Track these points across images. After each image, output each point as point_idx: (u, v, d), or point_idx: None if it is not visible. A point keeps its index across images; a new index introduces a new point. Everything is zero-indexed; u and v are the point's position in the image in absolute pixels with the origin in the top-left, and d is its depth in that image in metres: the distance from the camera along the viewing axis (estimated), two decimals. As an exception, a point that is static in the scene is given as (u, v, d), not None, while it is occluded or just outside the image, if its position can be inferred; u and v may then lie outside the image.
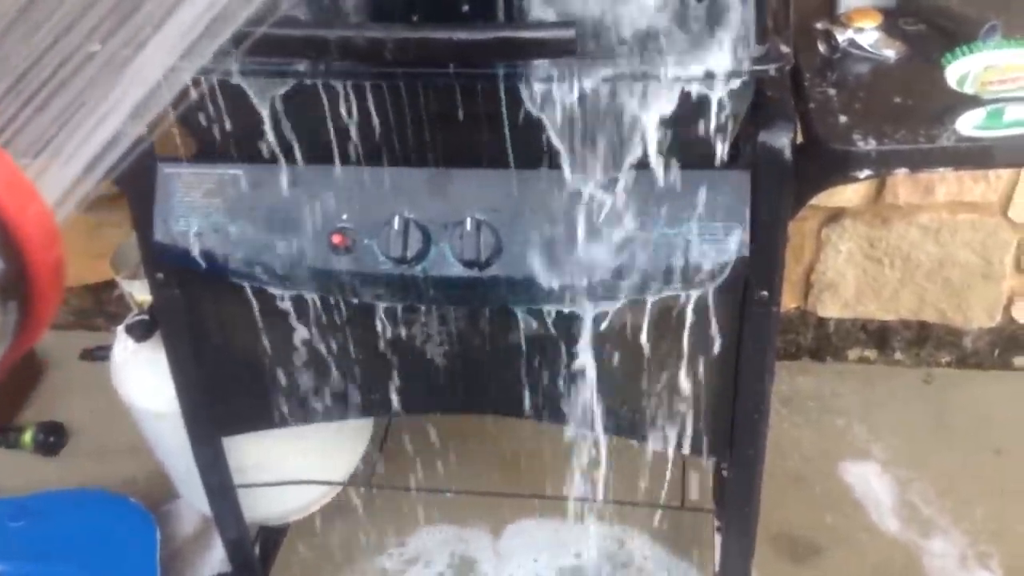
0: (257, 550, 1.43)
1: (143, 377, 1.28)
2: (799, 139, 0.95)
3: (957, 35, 0.98)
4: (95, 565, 1.43)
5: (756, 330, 1.04)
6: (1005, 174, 1.58)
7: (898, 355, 1.87)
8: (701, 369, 1.09)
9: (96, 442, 1.78)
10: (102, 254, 1.81)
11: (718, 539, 1.40)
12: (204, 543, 1.58)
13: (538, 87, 0.88)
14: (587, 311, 1.05)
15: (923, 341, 1.84)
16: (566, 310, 1.06)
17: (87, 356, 1.90)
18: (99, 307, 2.01)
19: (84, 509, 1.54)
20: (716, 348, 1.07)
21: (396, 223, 0.98)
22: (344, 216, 1.00)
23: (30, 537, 1.49)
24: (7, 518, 1.50)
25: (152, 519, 1.50)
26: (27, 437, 1.73)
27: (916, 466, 1.68)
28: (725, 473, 1.23)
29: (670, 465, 1.61)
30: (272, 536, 1.52)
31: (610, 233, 0.96)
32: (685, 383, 1.10)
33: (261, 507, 1.38)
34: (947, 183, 1.60)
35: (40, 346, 1.96)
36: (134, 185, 1.04)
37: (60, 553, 1.45)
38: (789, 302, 1.81)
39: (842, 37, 1.01)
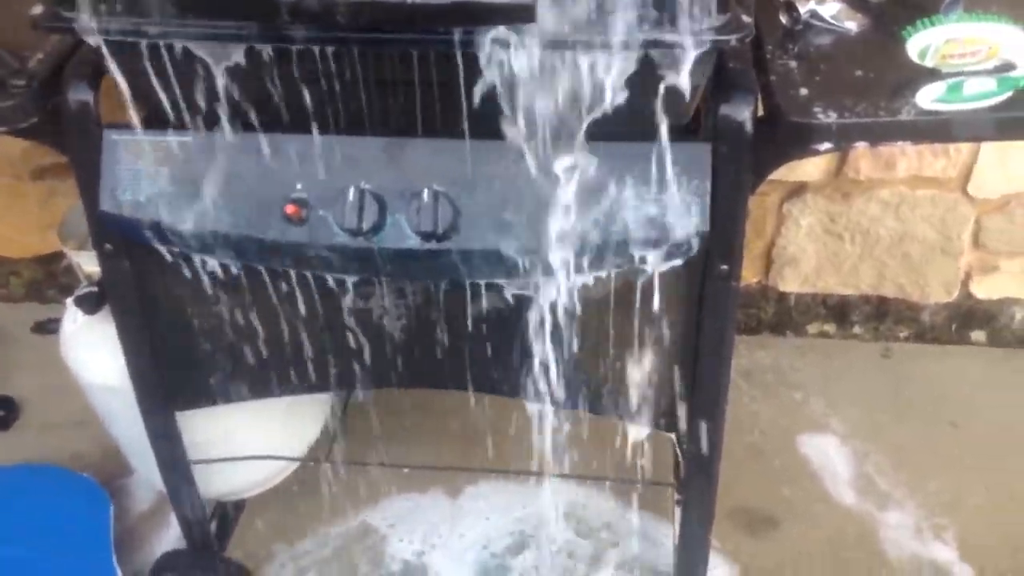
0: (213, 526, 1.41)
1: (93, 350, 1.25)
2: (760, 112, 0.94)
3: (919, 8, 0.97)
4: (47, 542, 1.41)
5: (716, 304, 1.04)
6: (965, 148, 1.59)
7: (857, 329, 1.88)
8: (660, 343, 1.09)
9: (48, 416, 1.74)
10: (54, 224, 1.77)
11: (677, 512, 1.40)
12: (159, 519, 1.56)
13: (495, 54, 0.86)
14: (544, 285, 1.04)
15: (882, 316, 1.86)
16: (523, 284, 1.05)
17: (39, 329, 1.85)
18: (51, 279, 1.96)
19: (35, 485, 1.51)
20: (675, 321, 1.06)
21: (351, 194, 0.96)
22: (298, 186, 0.98)
23: (-22, 514, 1.46)
24: (-46, 494, 1.47)
25: (105, 495, 1.47)
26: (-25, 412, 1.69)
27: (873, 439, 1.69)
28: (683, 448, 1.23)
29: (627, 438, 1.63)
30: (228, 512, 1.50)
31: (568, 206, 0.95)
32: (644, 358, 1.10)
33: (217, 482, 1.36)
34: (908, 158, 1.60)
35: (-10, 319, 1.92)
36: (79, 152, 1.01)
37: (10, 530, 1.43)
38: (750, 276, 1.81)
39: (804, 8, 1.00)
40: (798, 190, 1.68)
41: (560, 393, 1.14)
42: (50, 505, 1.47)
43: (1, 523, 1.44)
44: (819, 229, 1.71)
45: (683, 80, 0.90)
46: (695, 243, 0.96)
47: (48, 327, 1.83)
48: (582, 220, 0.95)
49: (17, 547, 1.41)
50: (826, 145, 0.90)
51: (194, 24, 0.87)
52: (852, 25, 0.99)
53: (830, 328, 1.89)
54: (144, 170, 1.00)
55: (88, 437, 1.66)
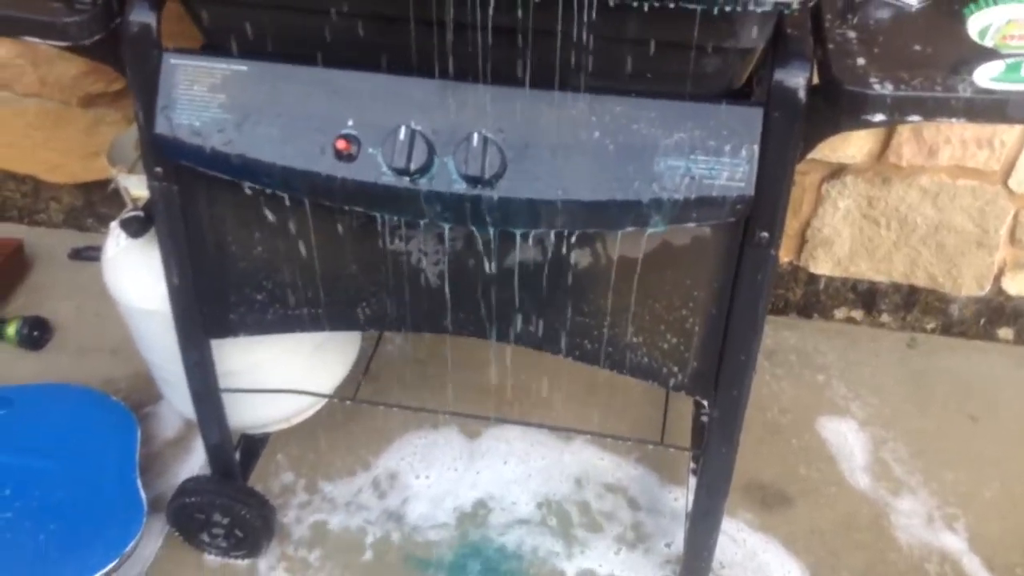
0: (237, 456, 1.43)
1: (134, 274, 1.28)
2: (815, 80, 0.94)
3: (983, -14, 0.97)
4: (74, 460, 1.44)
5: (753, 271, 1.04)
6: (1010, 142, 1.58)
7: (884, 317, 1.88)
8: (693, 307, 1.09)
9: (80, 341, 1.77)
10: (99, 152, 1.79)
11: (692, 480, 1.42)
12: (184, 447, 1.59)
13: (553, 2, 0.86)
14: (584, 239, 1.05)
15: (910, 306, 1.85)
16: (566, 236, 1.06)
17: (76, 256, 1.90)
18: (90, 207, 1.99)
19: (66, 404, 1.55)
20: (711, 287, 1.07)
21: (402, 133, 0.97)
22: (350, 122, 0.99)
23: (9, 427, 1.49)
24: (-12, 407, 1.51)
25: (133, 418, 1.50)
26: (11, 330, 1.72)
27: (892, 426, 1.70)
28: (705, 417, 1.24)
29: (649, 399, 1.65)
30: (252, 445, 1.53)
31: (616, 161, 0.96)
32: (676, 320, 1.11)
33: (244, 414, 1.39)
34: (951, 146, 1.59)
35: (30, 243, 1.95)
36: (138, 74, 1.02)
37: (40, 446, 1.46)
38: (783, 256, 1.81)
39: (866, -19, 0.99)
40: (839, 171, 1.67)
41: (589, 349, 1.15)
42: (80, 424, 1.50)
43: (31, 438, 1.48)
44: (856, 212, 1.70)
45: (741, 42, 0.91)
46: (740, 207, 0.96)
47: (85, 254, 1.87)
48: (626, 176, 0.96)
49: (45, 460, 1.44)
50: (879, 117, 0.89)
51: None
52: (913, 1, 0.99)
53: (857, 314, 1.89)
54: (200, 95, 1.01)
55: (120, 364, 1.69)
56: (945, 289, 1.79)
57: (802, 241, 1.78)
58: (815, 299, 1.88)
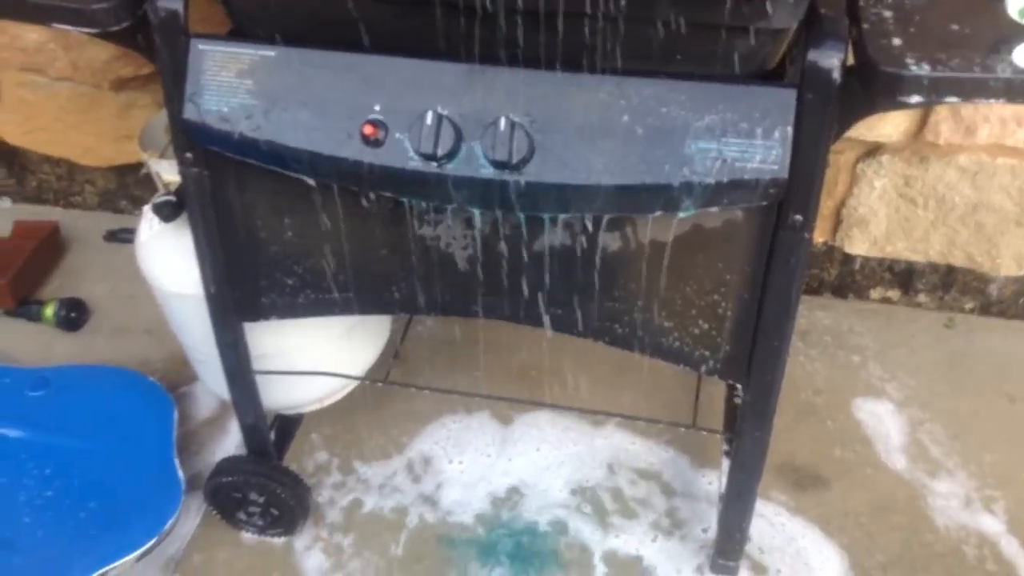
0: (272, 436, 1.45)
1: (168, 258, 1.29)
2: (849, 60, 0.92)
3: (1025, -38, 0.94)
4: (112, 440, 1.46)
5: (786, 255, 1.03)
6: (1053, 119, 1.54)
7: (921, 297, 1.85)
8: (726, 291, 1.08)
9: (116, 322, 1.80)
10: (131, 135, 1.81)
11: (725, 462, 1.41)
12: (220, 426, 1.61)
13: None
14: (614, 223, 1.04)
15: (948, 286, 1.82)
16: (596, 221, 1.05)
17: (111, 237, 1.91)
18: (124, 189, 2.01)
19: (104, 384, 1.57)
20: (743, 270, 1.06)
21: (429, 118, 0.97)
22: (377, 107, 0.99)
23: (49, 408, 1.52)
24: (27, 387, 1.53)
25: (170, 398, 1.52)
26: (49, 312, 1.75)
27: (929, 407, 1.68)
28: (738, 399, 1.23)
29: (680, 382, 1.64)
30: (287, 424, 1.54)
31: (646, 144, 0.94)
32: (709, 303, 1.10)
33: (277, 395, 1.40)
34: (990, 124, 1.56)
35: (65, 225, 1.97)
36: (166, 61, 1.03)
37: (77, 425, 1.49)
38: (817, 236, 1.79)
39: (904, -43, 0.97)
40: (874, 150, 1.64)
41: (620, 333, 1.15)
42: (117, 403, 1.53)
43: (69, 418, 1.50)
44: (893, 192, 1.67)
45: (774, 22, 0.89)
46: (773, 190, 0.95)
47: (120, 236, 1.89)
48: (656, 159, 0.95)
49: (84, 440, 1.47)
50: (916, 98, 0.87)
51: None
52: (952, -23, 0.96)
53: (894, 294, 1.86)
54: (228, 81, 1.01)
55: (155, 345, 1.72)
56: (983, 269, 1.75)
57: (837, 221, 1.75)
58: (850, 279, 1.86)
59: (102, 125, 1.86)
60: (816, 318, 1.85)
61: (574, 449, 1.59)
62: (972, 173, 1.62)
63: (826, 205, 1.73)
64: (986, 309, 1.84)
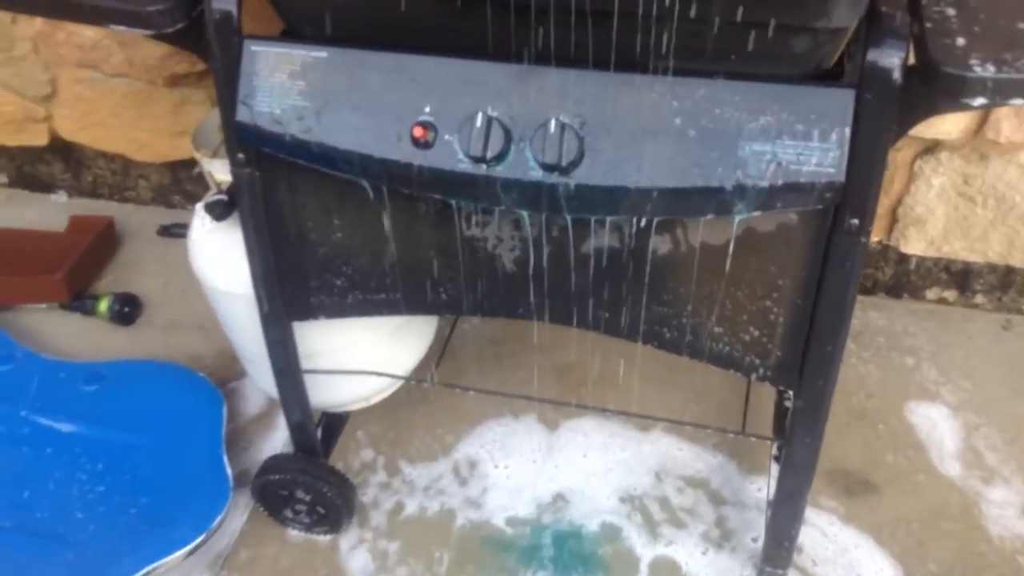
0: (319, 434, 1.46)
1: (219, 256, 1.30)
2: (911, 60, 0.89)
3: (1097, -42, 0.90)
4: (163, 435, 1.48)
5: (841, 260, 1.00)
6: (1120, 117, 1.49)
7: (979, 298, 1.80)
8: (778, 295, 1.06)
9: (168, 317, 1.82)
10: (185, 131, 1.83)
11: (774, 468, 1.39)
12: (268, 423, 1.63)
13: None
14: (667, 226, 1.03)
15: (1006, 286, 1.78)
16: (646, 224, 1.03)
17: (164, 232, 1.94)
18: (177, 185, 2.03)
19: (155, 379, 1.59)
20: (797, 274, 1.04)
21: (479, 120, 0.96)
22: (427, 109, 0.98)
23: (102, 402, 1.54)
24: (81, 381, 1.56)
25: (220, 395, 1.54)
26: (103, 306, 1.78)
27: (985, 412, 1.64)
28: (788, 403, 1.21)
29: (729, 387, 1.61)
30: (333, 422, 1.55)
31: (699, 146, 0.93)
32: (760, 308, 1.08)
33: (325, 394, 1.41)
34: (1056, 122, 1.51)
35: (119, 219, 2.00)
36: (220, 61, 1.03)
37: (130, 419, 1.51)
38: (872, 235, 1.75)
39: (968, -47, 0.94)
40: (933, 148, 1.60)
41: (669, 337, 1.13)
42: (169, 399, 1.55)
43: (122, 412, 1.53)
44: (951, 191, 1.63)
45: (833, 21, 0.87)
46: (829, 194, 0.93)
47: (173, 231, 1.91)
48: (711, 162, 0.93)
49: (136, 435, 1.49)
50: (980, 100, 0.85)
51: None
52: (1020, -26, 0.93)
53: (950, 295, 1.82)
54: (280, 82, 1.02)
55: (206, 340, 1.74)
56: (1045, 270, 1.71)
57: (893, 220, 1.72)
58: (905, 279, 1.82)
59: (156, 121, 1.88)
60: (869, 318, 1.82)
61: (621, 455, 1.57)
62: (1034, 172, 1.58)
63: (882, 204, 1.69)
64: (1047, 311, 1.79)
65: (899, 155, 1.63)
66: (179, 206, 2.06)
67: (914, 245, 1.73)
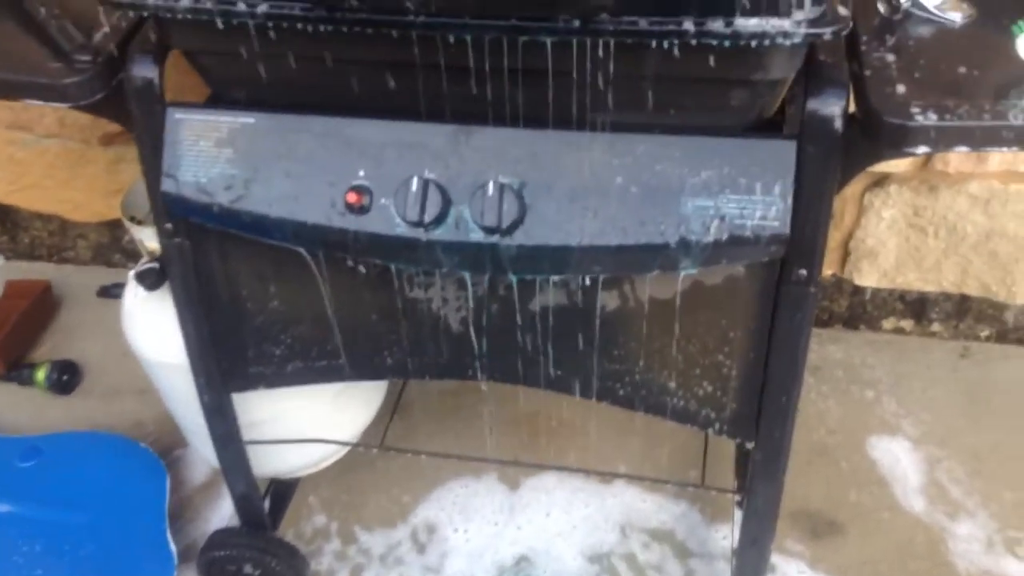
0: (267, 504, 1.40)
1: (153, 326, 1.25)
2: (852, 108, 0.87)
3: (1032, 0, 0.90)
4: (104, 512, 1.42)
5: (791, 311, 0.98)
6: (1065, 145, 1.49)
7: (935, 327, 1.80)
8: (730, 348, 1.04)
9: (109, 382, 1.76)
10: (121, 190, 1.77)
11: (738, 514, 1.36)
12: (214, 492, 1.57)
13: (568, 43, 0.81)
14: (613, 282, 1.00)
15: (962, 314, 1.77)
16: (592, 281, 1.00)
17: (104, 293, 1.88)
18: (117, 243, 1.97)
19: (95, 453, 1.53)
20: (747, 327, 1.01)
21: (415, 183, 0.93)
22: (361, 173, 0.95)
23: (39, 478, 1.48)
24: (17, 458, 1.50)
25: (163, 466, 1.48)
26: (40, 375, 1.71)
27: (947, 444, 1.62)
28: (748, 446, 1.18)
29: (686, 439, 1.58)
30: (282, 489, 1.50)
31: (640, 202, 0.90)
32: (713, 362, 1.05)
33: (270, 461, 1.36)
34: (1001, 151, 1.51)
35: (58, 282, 1.94)
36: (142, 130, 0.99)
37: (69, 497, 1.45)
38: (825, 268, 1.73)
39: (904, -3, 0.93)
40: (881, 180, 1.60)
41: (622, 394, 1.10)
42: (109, 474, 1.49)
43: (61, 488, 1.46)
44: (902, 222, 1.63)
45: (770, 73, 0.85)
46: (775, 247, 0.90)
47: (113, 292, 1.85)
48: (654, 219, 0.91)
49: (75, 512, 1.42)
50: (923, 149, 0.83)
51: (260, 4, 0.84)
52: (957, 17, 0.92)
53: (907, 324, 1.81)
54: (206, 150, 0.98)
55: (148, 406, 1.67)
56: (999, 298, 1.70)
57: (845, 253, 1.71)
58: (861, 310, 1.81)
59: (92, 180, 1.83)
60: (827, 352, 1.80)
61: (585, 511, 1.53)
62: (984, 200, 1.57)
63: (833, 237, 1.68)
64: (1003, 336, 1.79)
65: (848, 189, 1.61)
66: (120, 265, 2.00)
67: (867, 277, 1.72)
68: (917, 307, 1.79)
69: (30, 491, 1.45)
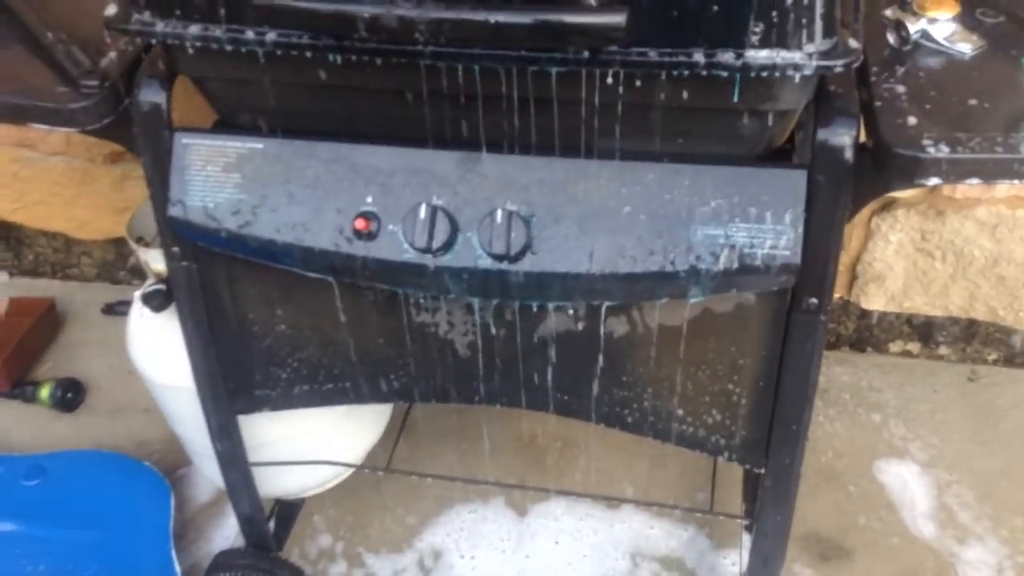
0: (272, 524, 1.40)
1: (158, 348, 1.24)
2: (862, 138, 0.87)
3: (1043, 32, 0.90)
4: (108, 531, 1.42)
5: (801, 339, 0.98)
6: (1074, 170, 1.48)
7: (943, 350, 1.79)
8: (740, 375, 1.03)
9: (113, 400, 1.75)
10: (126, 207, 1.78)
11: (746, 538, 1.35)
12: (219, 510, 1.56)
13: (575, 73, 0.81)
14: (622, 309, 1.00)
15: (970, 337, 1.76)
16: (599, 308, 1.00)
17: (109, 311, 1.89)
18: (122, 260, 1.97)
19: (99, 471, 1.52)
20: (758, 355, 1.01)
21: (423, 210, 0.92)
22: (369, 199, 0.95)
23: (44, 497, 1.47)
24: (21, 476, 1.49)
25: (167, 485, 1.47)
26: (44, 393, 1.71)
27: (955, 468, 1.61)
28: (759, 481, 1.17)
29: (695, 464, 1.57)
30: (287, 510, 1.49)
31: (650, 230, 0.90)
32: (722, 388, 1.05)
33: (276, 483, 1.35)
34: (1010, 176, 1.51)
35: (62, 299, 1.94)
36: (149, 154, 0.99)
37: (73, 515, 1.44)
38: (832, 291, 1.73)
39: (914, 28, 0.92)
40: (889, 205, 1.59)
41: (631, 420, 1.10)
42: (113, 492, 1.48)
43: (65, 507, 1.46)
44: (909, 247, 1.62)
45: (780, 104, 0.85)
46: (785, 276, 0.90)
47: (118, 309, 1.86)
48: (663, 247, 0.90)
49: (79, 531, 1.42)
50: (934, 180, 0.83)
51: (268, 33, 0.84)
52: (966, 48, 0.91)
53: (914, 347, 1.80)
54: (214, 176, 0.97)
55: (153, 424, 1.67)
56: (1007, 322, 1.69)
57: (852, 277, 1.70)
58: (868, 333, 1.80)
59: (98, 198, 1.83)
60: (834, 374, 1.79)
61: (594, 539, 1.51)
62: (992, 226, 1.57)
63: (841, 261, 1.67)
64: (1010, 360, 1.78)
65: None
66: (124, 282, 1.99)
67: (875, 301, 1.71)
68: (924, 330, 1.78)
69: (34, 510, 1.44)
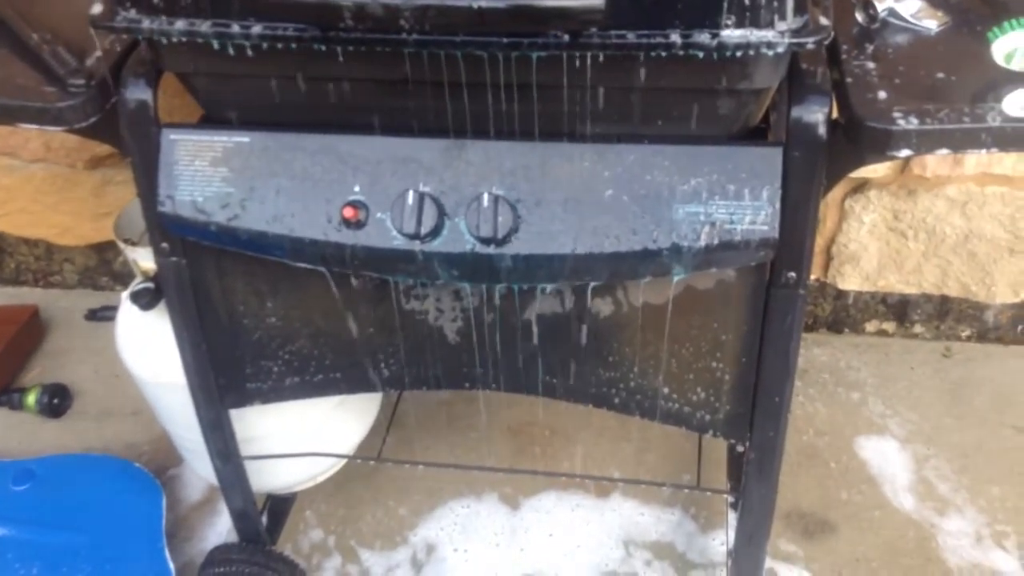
0: (265, 519, 1.41)
1: (148, 346, 1.25)
2: (834, 114, 0.90)
3: (1005, 7, 0.93)
4: (101, 533, 1.42)
5: (781, 313, 1.00)
6: (1038, 146, 1.53)
7: (917, 328, 1.83)
8: (722, 351, 1.06)
9: (100, 404, 1.76)
10: (108, 213, 1.78)
11: (732, 515, 1.38)
12: (211, 509, 1.57)
13: (559, 57, 0.83)
14: (607, 289, 1.02)
15: (943, 314, 1.80)
16: (585, 288, 1.02)
17: (92, 316, 1.87)
18: (105, 266, 1.97)
19: (89, 474, 1.53)
20: (739, 330, 1.04)
21: (410, 197, 0.94)
22: (356, 188, 0.96)
23: (34, 501, 1.47)
24: (11, 481, 1.49)
25: (158, 485, 1.48)
26: (31, 399, 1.71)
27: (933, 442, 1.65)
28: (740, 447, 1.20)
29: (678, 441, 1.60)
30: (280, 504, 1.50)
31: (632, 210, 0.92)
32: (705, 365, 1.07)
33: (268, 477, 1.36)
34: (978, 154, 1.55)
35: (45, 306, 1.94)
36: (137, 152, 1.00)
37: (64, 519, 1.44)
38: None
39: (881, 6, 0.95)
40: (861, 186, 1.63)
41: (617, 399, 1.12)
42: (104, 494, 1.48)
43: (56, 510, 1.46)
44: (882, 226, 1.66)
45: (755, 83, 0.87)
46: (764, 251, 0.92)
47: (101, 315, 1.85)
48: (645, 226, 0.93)
49: (71, 534, 1.42)
50: (905, 152, 0.86)
51: (254, 25, 0.85)
52: (932, 24, 0.95)
53: (889, 326, 1.84)
54: (202, 170, 0.99)
55: (141, 426, 1.68)
56: (979, 298, 1.74)
57: (828, 258, 1.73)
58: (844, 313, 1.83)
59: (79, 204, 1.83)
60: (813, 355, 1.83)
61: (586, 529, 1.53)
62: (961, 203, 1.61)
63: (816, 243, 1.71)
64: (983, 336, 1.82)
65: (830, 195, 1.64)
66: (107, 288, 2.00)
67: (850, 281, 1.75)
68: (899, 309, 1.82)
69: (25, 514, 1.44)
